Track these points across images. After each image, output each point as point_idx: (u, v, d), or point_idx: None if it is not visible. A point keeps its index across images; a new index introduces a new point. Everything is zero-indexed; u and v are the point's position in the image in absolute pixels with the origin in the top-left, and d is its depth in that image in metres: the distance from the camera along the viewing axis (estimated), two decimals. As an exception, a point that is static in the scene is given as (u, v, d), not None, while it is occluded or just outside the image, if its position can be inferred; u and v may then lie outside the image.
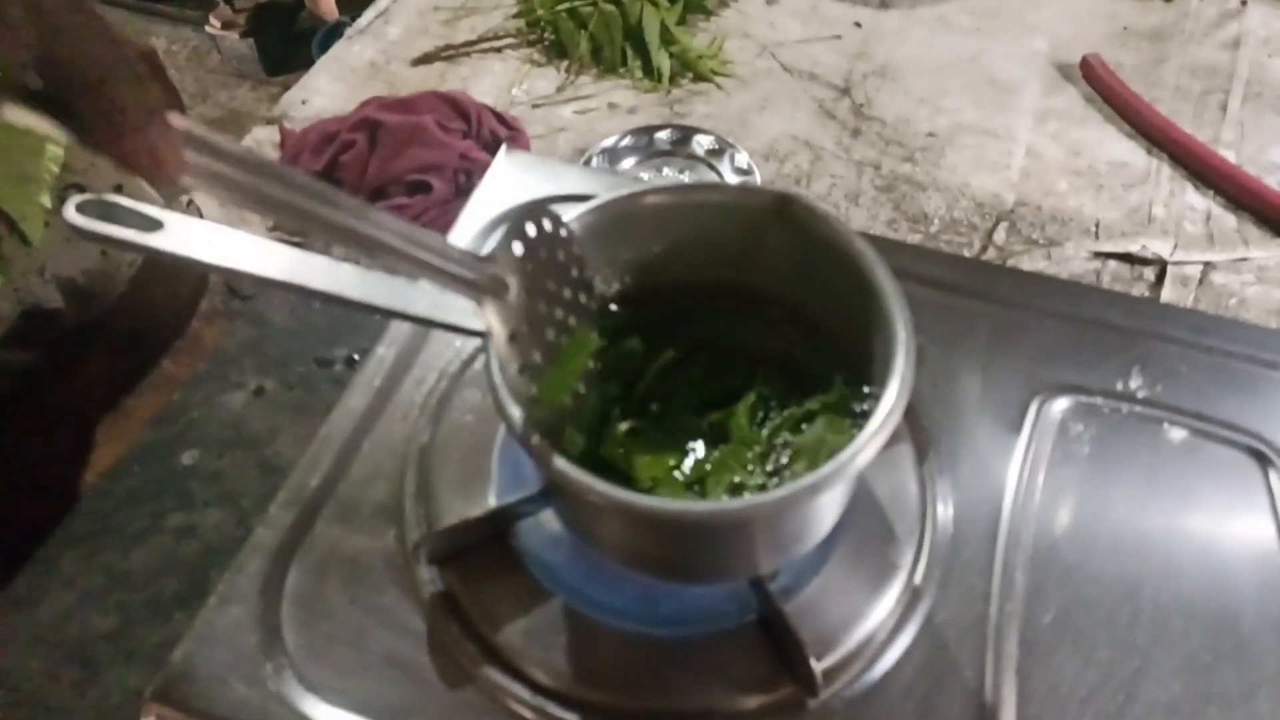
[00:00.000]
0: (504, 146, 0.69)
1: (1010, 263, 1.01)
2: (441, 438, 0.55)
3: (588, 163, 1.10)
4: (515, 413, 0.40)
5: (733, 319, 0.51)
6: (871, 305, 0.44)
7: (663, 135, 1.14)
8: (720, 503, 0.38)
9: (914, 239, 1.05)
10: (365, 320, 0.90)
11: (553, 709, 0.45)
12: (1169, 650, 0.47)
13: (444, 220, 1.03)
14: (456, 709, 0.45)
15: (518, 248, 0.42)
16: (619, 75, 1.24)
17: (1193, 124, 1.13)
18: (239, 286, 1.06)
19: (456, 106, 1.06)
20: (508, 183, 0.68)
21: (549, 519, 0.50)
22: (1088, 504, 0.52)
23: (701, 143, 1.13)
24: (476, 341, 0.43)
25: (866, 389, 0.45)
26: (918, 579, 0.49)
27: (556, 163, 0.70)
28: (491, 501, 0.50)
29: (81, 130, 0.77)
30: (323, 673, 0.46)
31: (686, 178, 1.11)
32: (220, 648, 0.47)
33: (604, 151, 1.12)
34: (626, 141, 1.13)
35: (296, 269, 0.46)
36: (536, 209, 0.43)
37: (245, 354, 0.86)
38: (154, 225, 0.45)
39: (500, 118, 1.11)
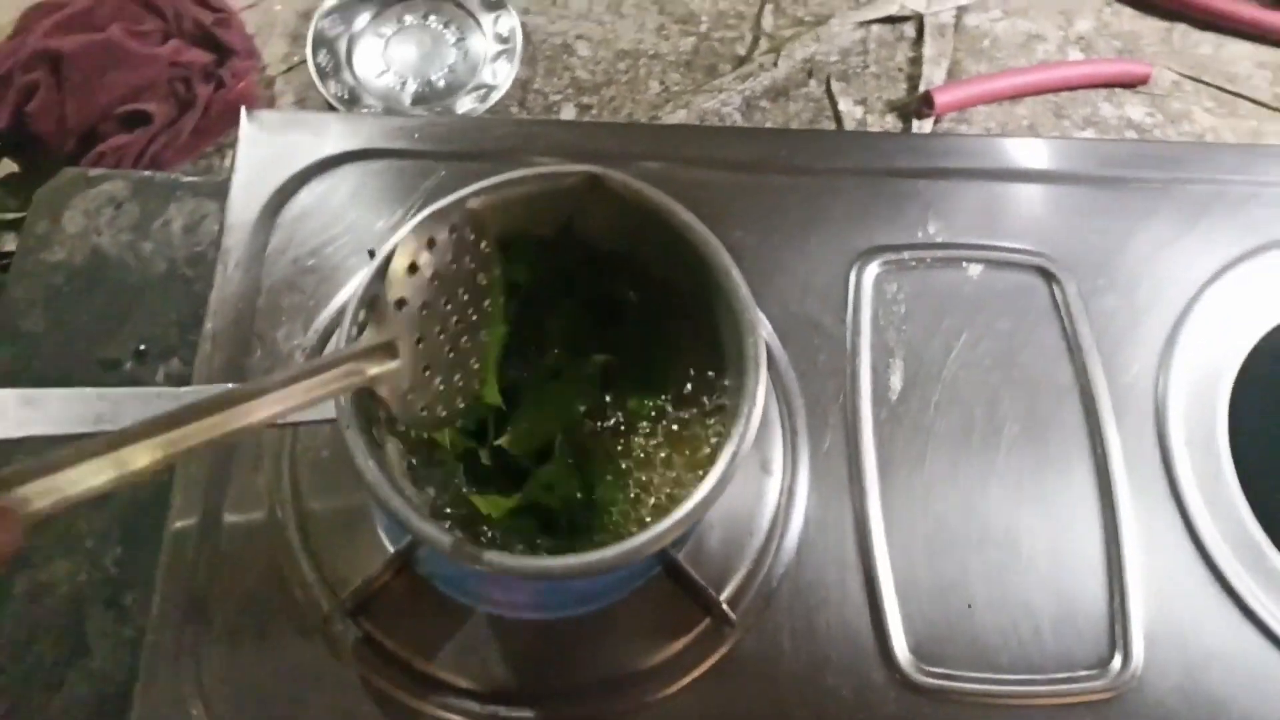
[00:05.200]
0: (244, 111, 0.60)
1: (784, 50, 1.00)
2: (306, 491, 0.52)
3: (320, 30, 0.97)
4: (396, 502, 0.39)
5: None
6: (709, 280, 0.44)
7: (394, -24, 1.01)
8: (600, 553, 0.39)
9: (687, 44, 1.01)
10: (137, 301, 0.81)
11: (506, 712, 0.49)
12: (1001, 475, 0.55)
13: (175, 147, 0.90)
14: (416, 743, 0.48)
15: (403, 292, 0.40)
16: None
17: None
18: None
19: (144, 1, 0.89)
20: (264, 153, 0.60)
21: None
22: (913, 361, 0.57)
23: (439, -23, 1.01)
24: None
25: (713, 374, 0.47)
26: (789, 480, 0.54)
27: (311, 114, 0.63)
28: (387, 545, 0.50)
29: None
30: (275, 752, 0.48)
31: (433, 23, 1.01)
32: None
33: (332, 12, 0.99)
34: (355, -7, 1.00)
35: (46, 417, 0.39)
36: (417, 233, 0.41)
37: (11, 379, 0.76)
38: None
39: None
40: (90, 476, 0.28)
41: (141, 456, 0.30)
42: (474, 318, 0.43)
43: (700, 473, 0.45)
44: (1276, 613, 0.52)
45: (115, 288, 0.79)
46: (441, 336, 0.41)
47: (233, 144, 0.96)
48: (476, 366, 0.43)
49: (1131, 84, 1.01)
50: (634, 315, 0.49)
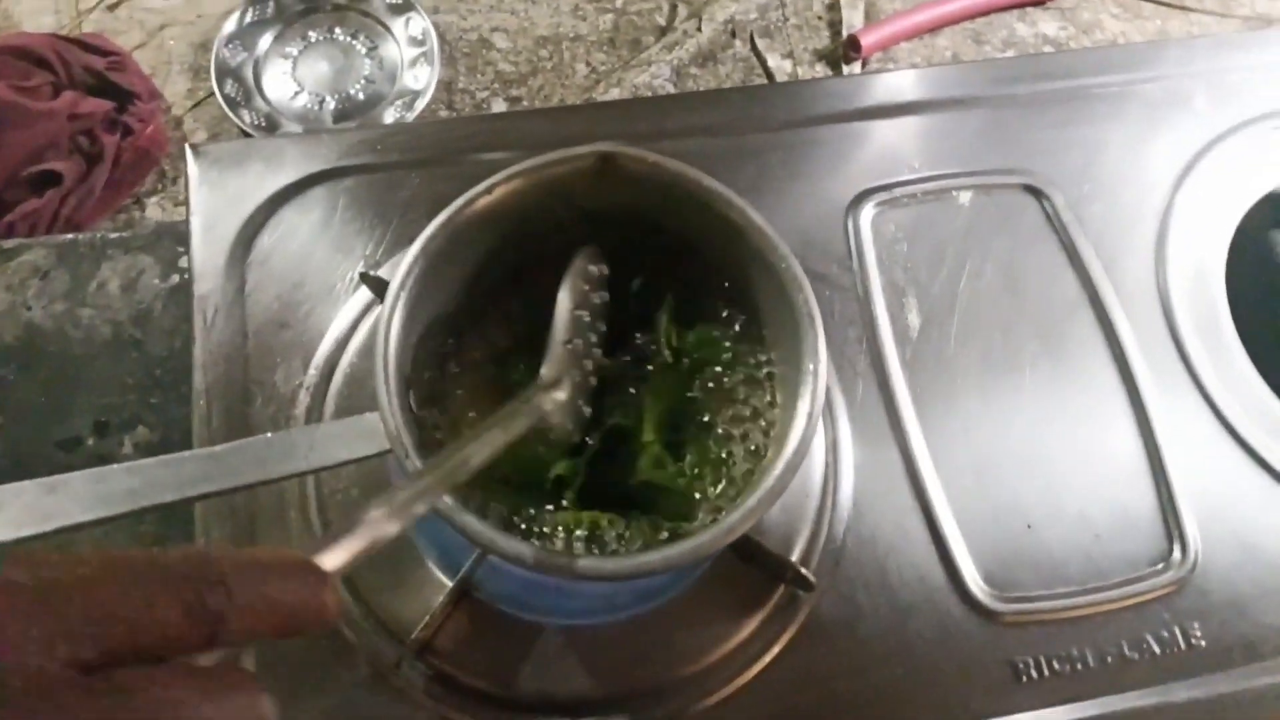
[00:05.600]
0: (189, 150, 0.56)
1: (705, 14, 0.99)
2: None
3: (221, 59, 0.92)
4: (511, 544, 0.36)
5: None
6: (742, 244, 0.43)
7: (288, -8, 0.96)
8: (709, 532, 0.37)
9: (606, 21, 0.99)
10: (85, 372, 0.75)
11: (600, 723, 0.47)
12: (1031, 393, 0.56)
13: (90, 204, 0.84)
14: (514, 774, 0.46)
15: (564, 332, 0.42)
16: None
17: None
18: None
19: (27, 54, 0.83)
20: (219, 190, 0.56)
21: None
22: (925, 296, 0.57)
23: (338, -13, 0.96)
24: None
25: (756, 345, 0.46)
26: (832, 435, 0.53)
27: (263, 141, 0.58)
28: (440, 576, 0.47)
29: None
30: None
31: (340, 36, 0.96)
32: None
33: (233, 39, 0.93)
34: (251, 16, 0.95)
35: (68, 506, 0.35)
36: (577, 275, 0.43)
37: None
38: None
39: (85, 45, 0.88)
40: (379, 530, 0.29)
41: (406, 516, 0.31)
42: (598, 342, 0.44)
43: (764, 440, 0.44)
44: (1306, 475, 0.54)
45: (58, 362, 0.73)
46: (590, 367, 0.43)
47: (149, 193, 0.90)
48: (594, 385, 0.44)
49: (1041, 1, 1.03)
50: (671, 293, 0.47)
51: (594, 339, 0.44)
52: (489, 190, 0.42)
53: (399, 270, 0.40)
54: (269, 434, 0.38)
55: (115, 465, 0.36)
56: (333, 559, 0.27)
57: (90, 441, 0.72)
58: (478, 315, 0.46)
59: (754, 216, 0.43)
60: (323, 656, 0.47)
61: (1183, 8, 1.05)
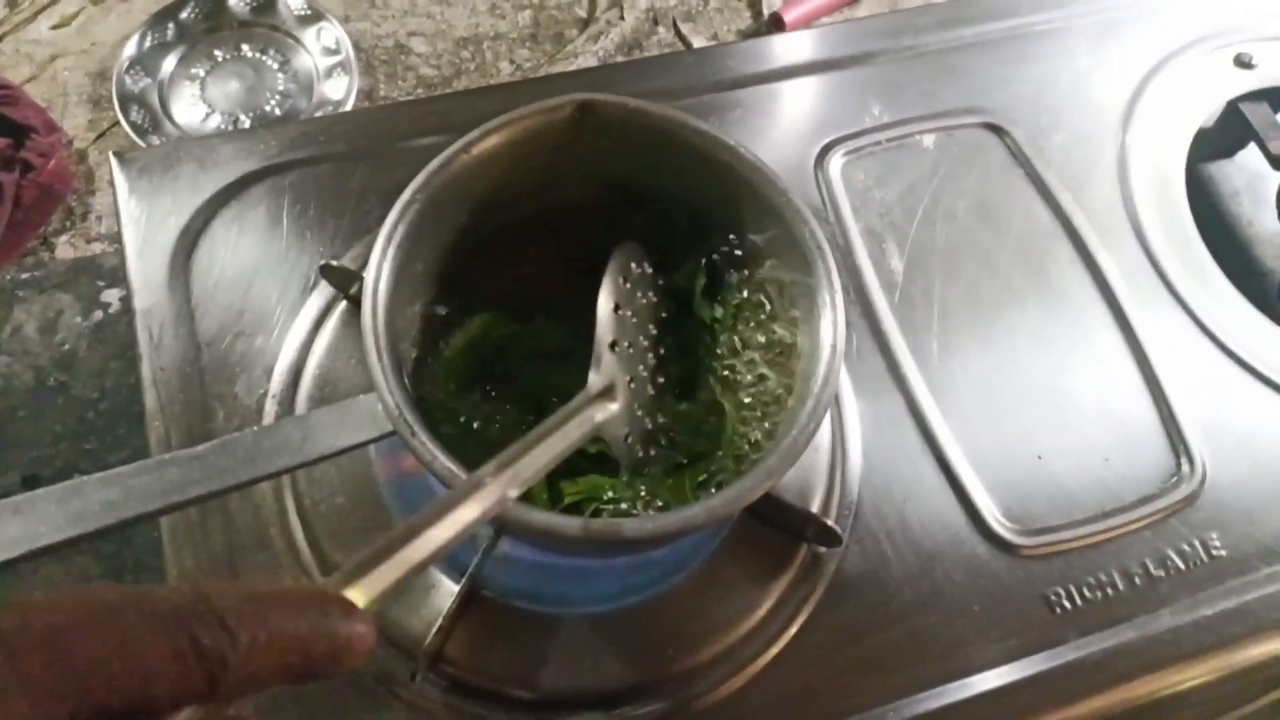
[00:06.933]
0: (113, 158, 0.51)
1: (626, 3, 0.98)
2: (329, 548, 0.45)
3: (123, 86, 0.86)
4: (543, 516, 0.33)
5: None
6: (737, 186, 0.41)
7: (186, 15, 0.91)
8: (751, 477, 0.35)
9: (525, 17, 0.97)
10: (8, 426, 0.69)
11: (635, 711, 0.43)
12: (1021, 324, 0.55)
13: (5, 249, 0.78)
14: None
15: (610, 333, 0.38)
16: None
17: None
18: None
19: (-95, 94, 0.76)
20: (150, 200, 0.51)
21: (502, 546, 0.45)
22: (904, 240, 0.56)
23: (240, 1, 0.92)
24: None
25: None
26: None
27: (193, 141, 0.54)
28: (449, 580, 0.44)
29: None
30: None
31: (249, 52, 0.92)
32: None
33: (133, 65, 0.88)
34: (151, 40, 0.89)
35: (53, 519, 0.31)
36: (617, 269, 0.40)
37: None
38: None
39: (-30, 80, 0.82)
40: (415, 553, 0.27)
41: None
42: (662, 351, 0.42)
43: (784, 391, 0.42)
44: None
45: (-25, 418, 0.67)
46: (645, 374, 0.40)
47: (58, 231, 0.84)
48: (679, 406, 0.41)
49: (950, -33, 1.05)
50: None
51: (645, 342, 0.41)
52: (467, 148, 0.39)
53: (379, 239, 0.37)
54: (255, 427, 0.34)
55: (87, 477, 0.31)
56: (362, 591, 0.24)
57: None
58: (464, 292, 0.43)
59: (746, 154, 0.41)
60: (326, 682, 0.43)
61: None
